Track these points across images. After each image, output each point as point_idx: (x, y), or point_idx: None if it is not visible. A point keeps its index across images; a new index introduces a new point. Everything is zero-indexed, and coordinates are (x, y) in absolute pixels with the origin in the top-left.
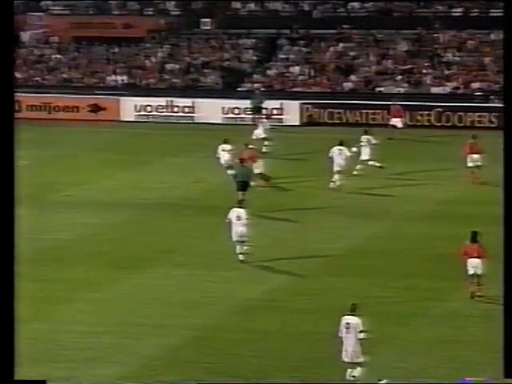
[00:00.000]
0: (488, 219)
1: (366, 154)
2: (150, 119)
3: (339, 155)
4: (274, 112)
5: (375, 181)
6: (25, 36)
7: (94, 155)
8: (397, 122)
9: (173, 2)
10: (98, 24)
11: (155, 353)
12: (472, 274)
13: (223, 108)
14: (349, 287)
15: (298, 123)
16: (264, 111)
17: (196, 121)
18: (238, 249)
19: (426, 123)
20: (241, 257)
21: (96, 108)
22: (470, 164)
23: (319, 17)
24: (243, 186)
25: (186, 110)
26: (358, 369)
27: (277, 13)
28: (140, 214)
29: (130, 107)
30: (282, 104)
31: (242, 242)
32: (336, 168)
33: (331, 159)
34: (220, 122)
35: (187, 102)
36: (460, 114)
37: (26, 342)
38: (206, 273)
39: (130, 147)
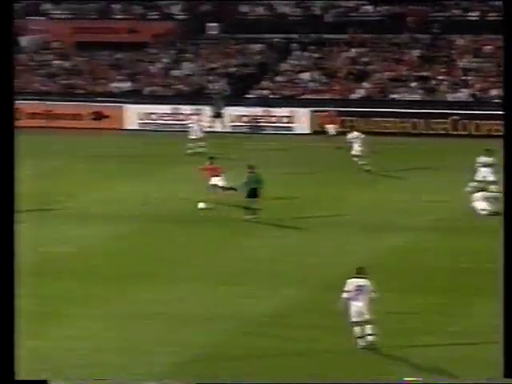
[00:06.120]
0: None
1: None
2: (155, 127)
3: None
4: (284, 120)
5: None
6: (23, 41)
7: (96, 165)
8: (330, 128)
9: (178, 6)
10: (100, 29)
11: (160, 370)
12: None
13: (230, 115)
14: None
15: (308, 131)
16: (223, 117)
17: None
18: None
19: (442, 131)
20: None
21: (99, 116)
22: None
23: (330, 21)
24: (253, 192)
25: (192, 117)
26: (369, 327)
27: (286, 17)
28: (142, 226)
29: (133, 115)
30: (291, 112)
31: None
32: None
33: None
34: (227, 130)
35: (193, 109)
36: (477, 122)
37: (23, 358)
38: (211, 288)
39: (132, 156)
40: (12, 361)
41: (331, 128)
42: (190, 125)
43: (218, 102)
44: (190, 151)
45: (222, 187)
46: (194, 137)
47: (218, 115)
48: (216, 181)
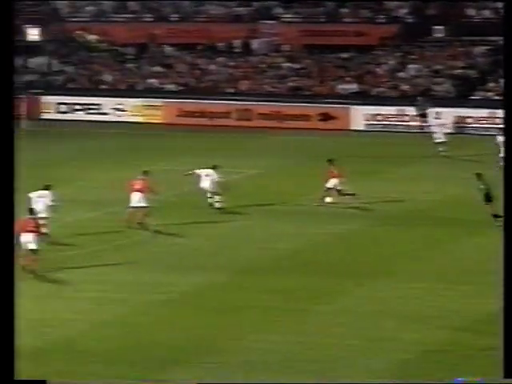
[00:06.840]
0: None
1: None
2: (380, 128)
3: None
4: None
5: None
6: (254, 44)
7: (323, 165)
8: None
9: (405, 9)
10: (329, 32)
11: (385, 367)
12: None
13: (455, 117)
14: None
15: None
16: (429, 117)
17: (426, 130)
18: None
19: None
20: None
21: (326, 117)
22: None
23: None
24: (488, 197)
25: (418, 118)
26: None
27: None
28: (369, 224)
29: (359, 116)
30: None
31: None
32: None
33: None
34: (452, 131)
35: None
36: None
37: (255, 352)
38: (437, 286)
39: (359, 157)
40: (12, 361)
41: None
42: (434, 128)
43: (423, 103)
44: (443, 153)
45: (338, 190)
46: (438, 140)
47: (422, 116)
48: (333, 184)
